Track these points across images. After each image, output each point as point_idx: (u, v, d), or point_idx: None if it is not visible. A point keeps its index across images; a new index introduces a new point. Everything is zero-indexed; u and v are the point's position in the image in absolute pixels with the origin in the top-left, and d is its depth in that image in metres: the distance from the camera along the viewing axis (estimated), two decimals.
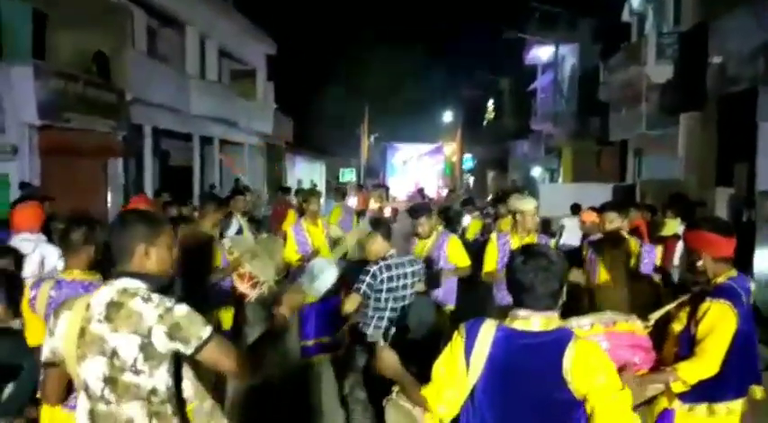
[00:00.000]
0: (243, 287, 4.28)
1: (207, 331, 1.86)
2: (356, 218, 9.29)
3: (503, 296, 4.31)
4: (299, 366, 5.27)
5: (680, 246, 6.83)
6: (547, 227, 12.11)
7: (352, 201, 12.64)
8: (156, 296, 1.87)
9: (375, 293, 3.64)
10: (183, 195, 15.29)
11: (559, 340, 1.87)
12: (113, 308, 1.85)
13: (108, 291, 1.91)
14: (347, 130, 31.04)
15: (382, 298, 3.64)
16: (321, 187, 27.88)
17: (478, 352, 1.89)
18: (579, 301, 4.16)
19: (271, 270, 4.40)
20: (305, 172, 27.54)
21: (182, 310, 1.85)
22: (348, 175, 30.95)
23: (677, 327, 2.62)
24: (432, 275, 4.37)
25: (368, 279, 3.62)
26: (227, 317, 4.62)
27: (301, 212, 5.84)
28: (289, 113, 24.01)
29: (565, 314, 2.57)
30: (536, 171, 25.38)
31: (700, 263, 2.57)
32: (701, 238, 2.59)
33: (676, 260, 6.65)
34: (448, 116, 40.03)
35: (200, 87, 16.29)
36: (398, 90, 35.07)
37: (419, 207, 4.96)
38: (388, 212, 12.76)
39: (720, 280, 2.53)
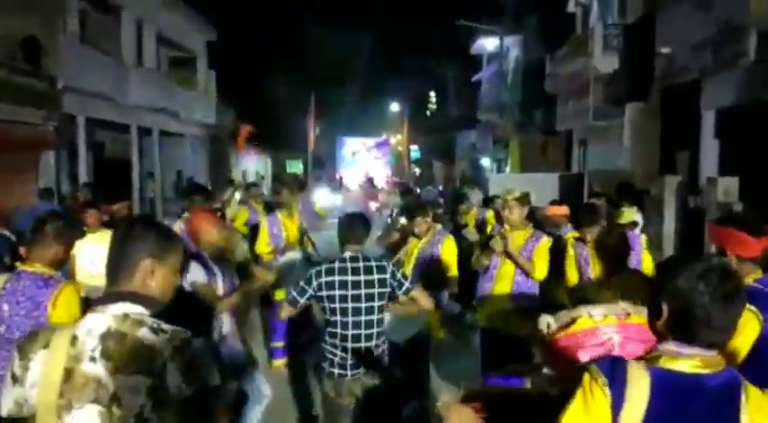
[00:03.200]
0: None
1: (217, 380, 1.51)
2: (317, 206, 9.03)
3: (485, 288, 4.20)
4: (268, 370, 4.99)
5: (636, 233, 6.98)
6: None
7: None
8: (167, 325, 1.51)
9: (318, 303, 3.11)
10: (120, 188, 14.58)
11: (730, 385, 1.47)
12: (113, 340, 1.46)
13: (102, 319, 1.50)
14: (293, 121, 30.42)
15: (327, 308, 3.09)
16: (268, 179, 27.25)
17: (633, 407, 1.42)
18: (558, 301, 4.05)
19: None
20: (250, 164, 26.81)
21: (198, 344, 1.52)
22: (295, 167, 30.40)
23: None
24: (430, 275, 4.11)
25: (301, 283, 3.10)
26: None
27: (270, 206, 5.60)
28: (232, 103, 23.21)
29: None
30: (485, 161, 25.70)
31: (724, 260, 2.47)
32: (729, 235, 2.46)
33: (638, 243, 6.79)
34: (394, 106, 39.98)
35: (138, 75, 15.44)
36: (344, 80, 34.70)
37: (415, 205, 4.68)
38: (373, 207, 12.51)
39: (746, 281, 2.43)
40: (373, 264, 3.11)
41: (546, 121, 18.80)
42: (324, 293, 3.06)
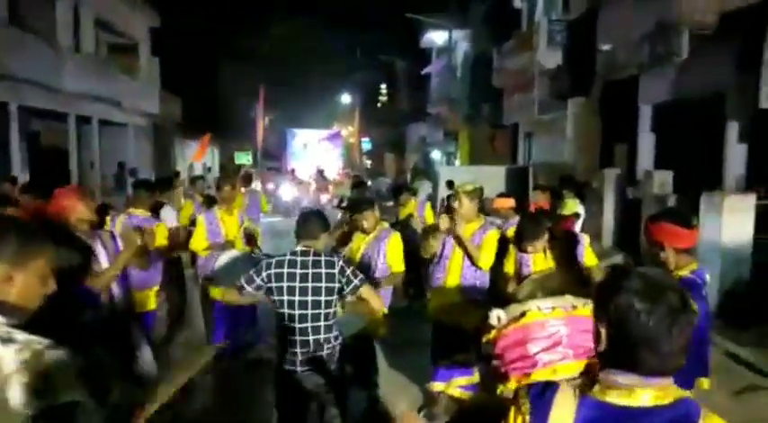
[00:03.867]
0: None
1: (76, 396, 1.38)
2: (264, 202, 8.91)
3: (436, 279, 4.20)
4: (213, 372, 4.81)
5: (579, 224, 7.22)
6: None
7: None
8: (21, 335, 1.38)
9: (268, 296, 3.11)
10: (58, 180, 13.93)
11: (686, 419, 1.26)
12: None
13: None
14: (241, 112, 29.83)
15: (276, 301, 3.08)
16: (215, 172, 26.65)
17: None
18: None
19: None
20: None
21: (55, 356, 1.37)
22: (243, 159, 29.85)
23: None
24: (369, 276, 4.00)
25: (251, 271, 3.13)
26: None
27: (211, 202, 5.43)
28: (177, 92, 22.53)
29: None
30: (435, 154, 25.94)
31: (662, 254, 2.57)
32: (663, 229, 2.58)
33: (581, 238, 7.03)
34: (345, 98, 39.82)
35: (75, 61, 14.76)
36: (294, 70, 34.21)
37: (363, 200, 4.59)
38: (325, 200, 12.27)
39: (683, 273, 2.53)
40: (322, 258, 3.11)
41: (494, 114, 19.14)
42: (273, 285, 3.07)
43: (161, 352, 4.74)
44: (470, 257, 4.07)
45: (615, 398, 1.28)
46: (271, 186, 19.35)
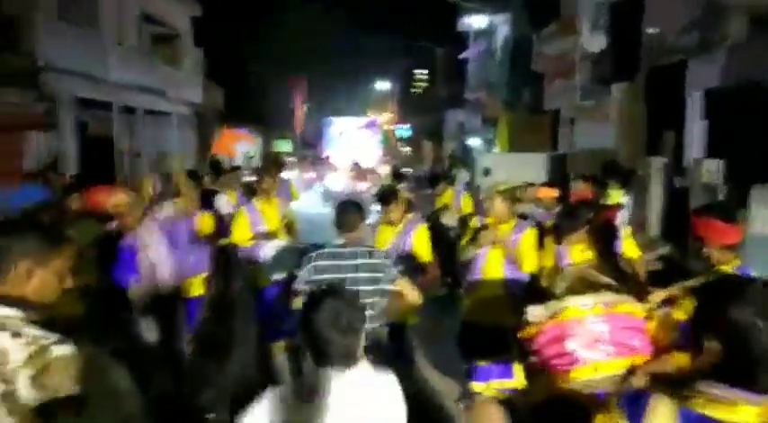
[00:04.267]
0: None
1: (73, 389, 1.44)
2: (294, 191, 8.93)
3: (472, 278, 4.15)
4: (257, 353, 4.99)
5: (622, 214, 7.04)
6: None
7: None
8: (30, 330, 1.46)
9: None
10: (105, 168, 14.39)
11: None
12: None
13: None
14: (281, 99, 30.10)
15: None
16: (257, 159, 27.05)
17: None
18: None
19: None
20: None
21: (62, 351, 1.44)
22: (284, 146, 30.19)
23: (679, 315, 2.45)
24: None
25: (298, 272, 3.09)
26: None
27: (252, 191, 5.53)
28: (219, 81, 22.90)
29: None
30: (473, 141, 25.64)
31: (705, 250, 2.54)
32: (706, 224, 2.55)
33: (621, 229, 6.85)
34: (382, 85, 39.66)
35: (119, 53, 15.16)
36: (332, 59, 34.26)
37: (387, 191, 4.61)
38: (363, 188, 12.28)
39: (725, 269, 2.49)
40: (367, 249, 3.15)
41: (534, 99, 18.77)
42: (318, 277, 3.04)
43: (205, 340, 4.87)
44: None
45: (718, 412, 1.24)
46: (311, 175, 19.50)
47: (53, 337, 1.47)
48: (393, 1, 33.64)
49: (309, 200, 11.21)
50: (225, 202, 6.16)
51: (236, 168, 9.93)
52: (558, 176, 14.54)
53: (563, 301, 2.39)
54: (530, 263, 4.02)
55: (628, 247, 4.50)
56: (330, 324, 1.71)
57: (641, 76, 11.87)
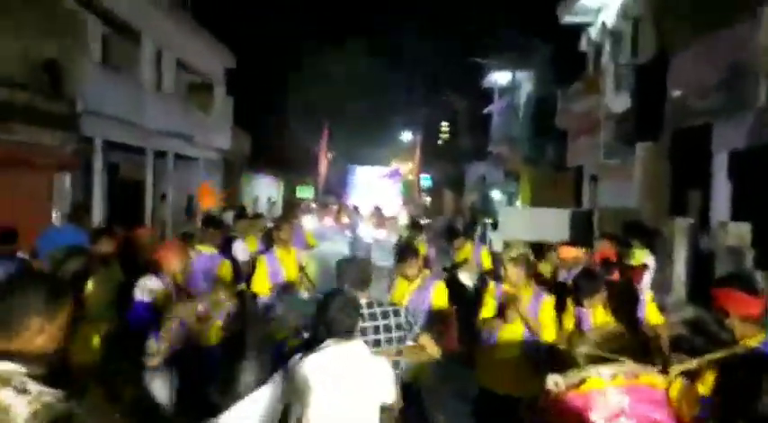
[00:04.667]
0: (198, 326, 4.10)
1: None
2: (310, 235, 8.93)
3: (488, 342, 4.08)
4: None
5: (647, 276, 6.92)
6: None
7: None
8: (35, 386, 1.46)
9: None
10: (134, 211, 14.71)
11: None
12: None
13: None
14: (304, 146, 30.71)
15: None
16: (279, 204, 27.42)
17: None
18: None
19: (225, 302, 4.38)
20: (262, 188, 27.01)
21: (64, 409, 1.44)
22: (306, 192, 30.56)
23: (702, 388, 2.43)
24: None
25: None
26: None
27: (271, 239, 5.56)
28: (246, 128, 23.51)
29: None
30: (495, 193, 25.69)
31: (727, 321, 2.48)
32: (727, 296, 2.50)
33: (644, 291, 6.71)
34: (406, 135, 40.27)
35: (156, 100, 15.73)
36: (356, 107, 35.03)
37: (406, 248, 4.57)
38: (382, 236, 12.30)
39: (751, 343, 2.42)
40: (389, 308, 3.18)
41: (557, 155, 18.87)
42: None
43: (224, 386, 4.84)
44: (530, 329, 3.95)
45: None
46: (334, 221, 19.62)
47: (57, 393, 1.48)
48: (419, 55, 34.54)
49: (334, 246, 11.19)
50: (242, 248, 6.21)
51: (259, 216, 10.07)
52: (583, 233, 14.42)
53: (584, 370, 2.35)
54: (549, 332, 3.92)
55: (650, 311, 4.40)
56: (339, 309, 2.60)
57: (666, 136, 11.91)
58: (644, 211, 12.15)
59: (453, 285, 6.47)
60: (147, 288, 3.74)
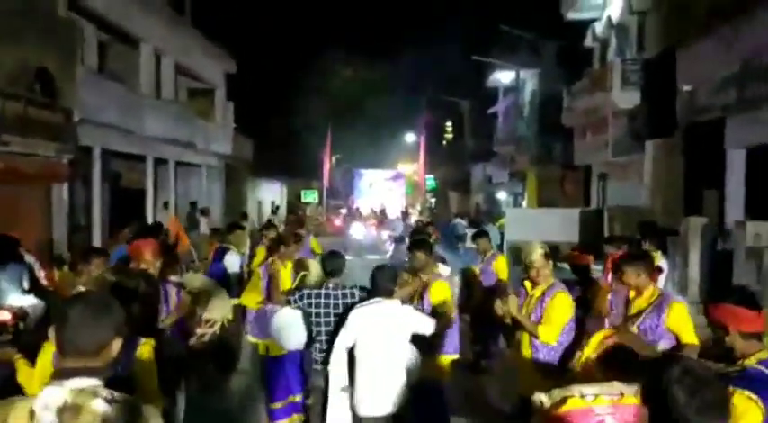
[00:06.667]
0: (199, 329, 4.06)
1: None
2: (315, 242, 8.68)
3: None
4: None
5: (662, 278, 6.61)
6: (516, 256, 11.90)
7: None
8: (119, 395, 1.60)
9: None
10: (135, 219, 14.51)
11: None
12: (69, 414, 1.53)
13: (58, 392, 1.56)
14: (308, 150, 30.56)
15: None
16: (282, 209, 27.23)
17: None
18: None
19: (227, 307, 4.37)
20: (266, 194, 26.82)
21: (149, 411, 1.64)
22: (310, 197, 30.39)
23: None
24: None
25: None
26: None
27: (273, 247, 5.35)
28: (249, 134, 23.32)
29: None
30: (501, 194, 25.40)
31: (727, 339, 2.27)
32: (727, 311, 2.29)
33: None
34: (410, 137, 40.05)
35: (155, 107, 15.54)
36: (359, 111, 34.85)
37: (418, 241, 4.70)
38: (385, 236, 12.30)
39: (749, 362, 2.19)
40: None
41: (564, 155, 18.55)
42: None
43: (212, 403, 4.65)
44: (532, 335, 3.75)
45: None
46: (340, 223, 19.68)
47: (134, 399, 1.65)
48: (422, 55, 34.32)
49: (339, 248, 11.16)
50: (233, 260, 5.99)
51: (271, 225, 9.73)
52: (593, 233, 14.09)
53: (566, 390, 2.28)
54: (550, 332, 3.70)
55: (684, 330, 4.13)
56: (381, 277, 3.76)
57: (678, 132, 11.58)
58: (655, 210, 11.82)
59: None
60: None
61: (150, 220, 15.35)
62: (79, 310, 1.68)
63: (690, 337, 3.46)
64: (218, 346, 5.78)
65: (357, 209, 25.51)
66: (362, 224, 20.08)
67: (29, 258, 5.78)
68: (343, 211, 24.10)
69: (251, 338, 4.95)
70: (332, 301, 3.93)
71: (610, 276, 5.41)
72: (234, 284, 5.76)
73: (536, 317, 3.75)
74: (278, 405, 4.62)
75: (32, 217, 10.31)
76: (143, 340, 2.52)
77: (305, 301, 3.94)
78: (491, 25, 22.61)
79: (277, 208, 26.82)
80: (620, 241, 6.89)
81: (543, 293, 3.78)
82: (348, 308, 3.79)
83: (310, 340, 3.96)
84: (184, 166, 18.02)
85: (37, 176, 10.14)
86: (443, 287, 4.28)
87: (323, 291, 3.96)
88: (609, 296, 5.14)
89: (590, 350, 3.56)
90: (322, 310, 3.92)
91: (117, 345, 1.71)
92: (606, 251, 6.71)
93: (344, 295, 3.94)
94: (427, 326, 3.74)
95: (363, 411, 3.52)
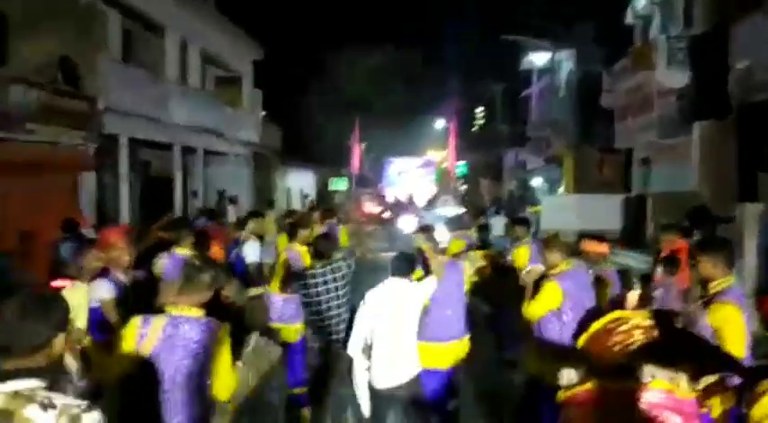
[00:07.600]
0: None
1: None
2: (344, 232, 8.43)
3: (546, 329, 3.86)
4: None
5: None
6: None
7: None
8: (60, 400, 1.53)
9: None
10: (164, 207, 14.43)
11: None
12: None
13: None
14: (337, 137, 30.23)
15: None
16: (312, 197, 27.03)
17: None
18: None
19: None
20: (295, 182, 26.63)
21: (91, 419, 1.53)
22: (340, 185, 30.10)
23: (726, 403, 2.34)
24: None
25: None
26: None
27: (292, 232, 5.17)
28: (277, 121, 23.07)
29: None
30: (535, 181, 24.66)
31: None
32: None
33: None
34: (439, 123, 39.34)
35: (181, 95, 15.36)
36: (389, 96, 34.30)
37: (428, 226, 4.74)
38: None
39: None
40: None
41: (603, 138, 17.75)
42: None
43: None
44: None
45: None
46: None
47: (81, 403, 1.54)
48: (450, 37, 33.56)
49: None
50: (252, 249, 5.73)
51: (292, 213, 9.54)
52: (635, 221, 13.39)
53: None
54: (533, 309, 3.85)
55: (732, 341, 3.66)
56: (397, 258, 3.87)
57: (731, 112, 10.79)
58: (704, 196, 11.09)
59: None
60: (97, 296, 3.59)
61: (178, 209, 15.27)
62: (14, 309, 1.61)
63: (733, 345, 2.82)
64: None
65: (383, 197, 25.14)
66: (412, 215, 19.34)
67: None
68: (390, 200, 23.84)
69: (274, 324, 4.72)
70: (327, 278, 4.24)
71: (660, 270, 4.90)
72: (253, 274, 5.51)
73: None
74: (298, 390, 4.62)
75: (60, 206, 10.20)
76: (223, 324, 2.51)
77: (309, 281, 4.20)
78: (523, 4, 21.80)
79: (306, 196, 26.63)
80: (677, 229, 6.30)
81: (552, 276, 3.91)
82: (344, 277, 4.26)
83: (321, 322, 4.20)
84: (213, 154, 17.88)
85: (62, 165, 10.02)
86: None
87: (310, 272, 4.27)
88: (657, 292, 4.65)
89: (599, 324, 3.23)
90: (321, 288, 4.23)
91: (60, 342, 1.65)
92: (663, 238, 6.12)
93: (333, 270, 4.28)
94: (430, 285, 3.86)
95: (380, 385, 3.59)
